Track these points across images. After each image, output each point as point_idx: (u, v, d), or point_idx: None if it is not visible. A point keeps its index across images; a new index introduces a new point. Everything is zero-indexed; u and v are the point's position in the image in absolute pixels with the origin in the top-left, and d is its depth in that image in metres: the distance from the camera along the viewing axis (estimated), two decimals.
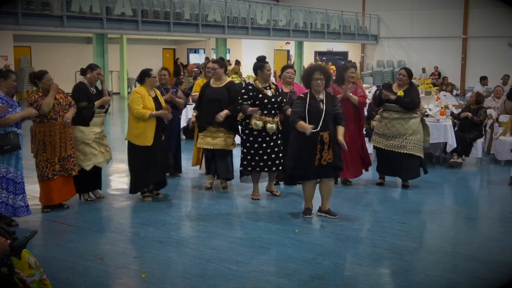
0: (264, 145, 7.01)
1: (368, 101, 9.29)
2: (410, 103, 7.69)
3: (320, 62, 17.30)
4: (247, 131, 7.06)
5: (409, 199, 7.48)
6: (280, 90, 7.29)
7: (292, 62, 28.20)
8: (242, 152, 7.15)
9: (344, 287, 4.58)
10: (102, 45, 20.73)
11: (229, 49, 27.29)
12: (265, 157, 7.02)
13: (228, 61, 22.68)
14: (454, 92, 20.95)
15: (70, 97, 6.75)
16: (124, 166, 7.47)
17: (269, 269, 4.93)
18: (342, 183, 8.05)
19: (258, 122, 6.91)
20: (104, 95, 6.96)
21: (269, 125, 6.95)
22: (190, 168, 8.81)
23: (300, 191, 6.86)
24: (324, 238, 5.80)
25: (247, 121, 7.00)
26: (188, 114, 10.94)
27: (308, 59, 29.24)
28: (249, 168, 7.12)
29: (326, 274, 4.80)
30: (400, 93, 7.74)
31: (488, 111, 10.36)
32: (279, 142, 7.10)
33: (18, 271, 3.65)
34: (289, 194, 7.45)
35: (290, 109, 6.65)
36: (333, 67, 18.55)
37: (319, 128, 6.12)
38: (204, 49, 29.52)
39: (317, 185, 6.48)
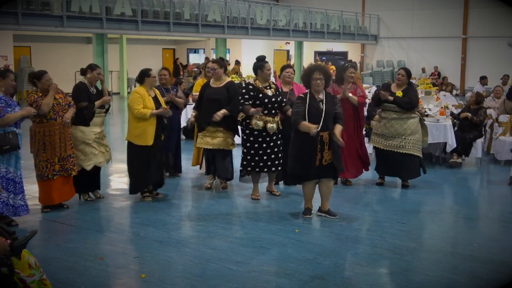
0: (264, 145, 7.01)
1: (368, 101, 9.29)
2: (408, 103, 7.69)
3: (320, 62, 17.29)
4: (247, 131, 7.06)
5: (409, 199, 7.48)
6: (280, 90, 7.29)
7: (292, 63, 28.20)
8: (243, 152, 7.16)
9: (344, 287, 4.58)
10: (102, 45, 20.74)
11: (229, 49, 27.29)
12: (265, 157, 7.03)
13: (227, 61, 22.67)
14: (454, 92, 20.97)
15: (70, 97, 6.75)
16: (124, 166, 7.46)
17: (269, 269, 4.93)
18: (342, 183, 8.05)
19: (258, 122, 6.92)
20: (104, 95, 6.96)
21: (269, 125, 6.95)
22: (190, 168, 8.81)
23: (300, 191, 6.86)
24: (324, 238, 5.80)
25: (248, 121, 7.00)
26: (188, 114, 10.93)
27: (308, 59, 29.25)
28: (249, 168, 7.13)
29: (326, 274, 4.80)
30: (399, 93, 7.74)
31: (488, 111, 10.36)
32: (278, 142, 7.10)
33: (18, 271, 3.65)
34: (289, 194, 7.45)
35: (290, 110, 6.65)
36: (333, 67, 18.55)
37: (319, 128, 6.12)
38: (204, 49, 29.53)
39: (317, 185, 6.48)
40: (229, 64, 21.46)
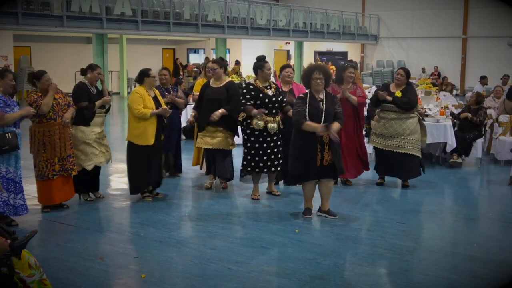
0: (265, 145, 7.01)
1: (368, 101, 9.28)
2: (407, 103, 7.69)
3: (320, 62, 17.29)
4: (248, 131, 7.06)
5: (409, 199, 7.48)
6: (280, 89, 7.29)
7: (292, 63, 28.20)
8: (244, 152, 7.16)
9: (344, 287, 4.58)
10: (102, 45, 20.74)
11: (229, 49, 27.29)
12: (265, 158, 7.03)
13: (226, 61, 22.66)
14: (454, 92, 20.96)
15: (69, 97, 6.75)
16: (124, 166, 7.46)
17: (269, 269, 4.93)
18: (342, 183, 8.05)
19: (259, 122, 6.92)
20: (104, 95, 6.96)
21: (270, 125, 6.95)
22: (190, 168, 8.81)
23: (300, 191, 6.86)
24: (324, 238, 5.80)
25: (249, 121, 7.00)
26: (188, 114, 10.93)
27: (308, 59, 29.23)
28: (249, 169, 7.13)
29: (326, 274, 4.80)
30: (398, 93, 7.74)
31: (488, 111, 10.36)
32: (279, 142, 7.10)
33: (18, 271, 3.65)
34: (289, 194, 7.45)
35: (291, 110, 6.64)
36: (333, 67, 18.54)
37: (325, 125, 6.09)
38: (204, 49, 29.53)
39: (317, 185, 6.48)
40: (229, 64, 21.46)
